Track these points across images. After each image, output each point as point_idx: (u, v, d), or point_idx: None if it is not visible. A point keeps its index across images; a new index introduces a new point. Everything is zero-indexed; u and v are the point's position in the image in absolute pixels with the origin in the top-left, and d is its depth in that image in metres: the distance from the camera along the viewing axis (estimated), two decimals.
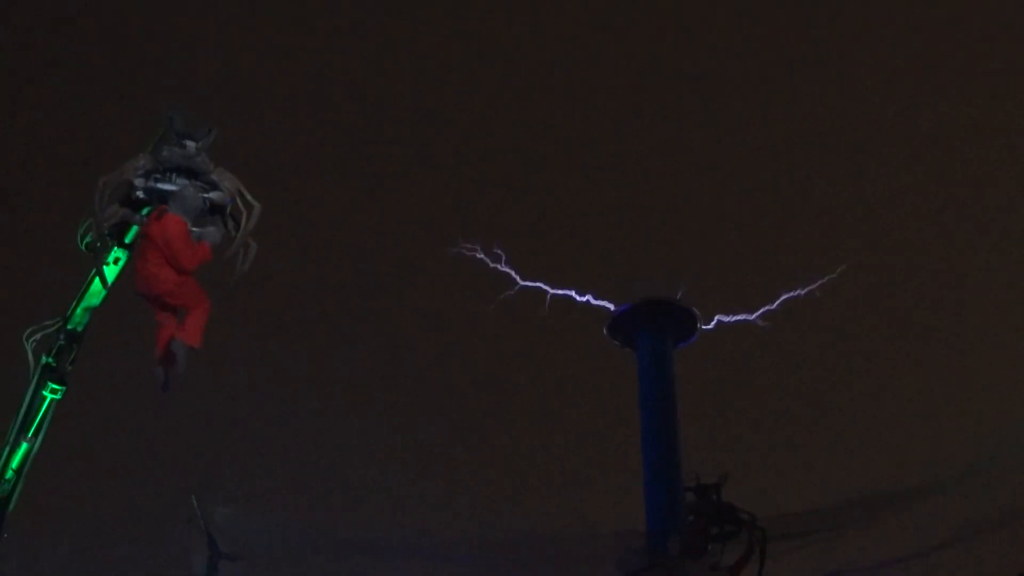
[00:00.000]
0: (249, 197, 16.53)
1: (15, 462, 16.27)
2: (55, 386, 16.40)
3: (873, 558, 28.17)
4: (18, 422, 16.33)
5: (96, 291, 16.62)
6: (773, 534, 28.86)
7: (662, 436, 29.43)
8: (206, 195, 16.45)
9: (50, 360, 16.49)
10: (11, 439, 16.28)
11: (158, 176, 16.45)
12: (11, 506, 16.38)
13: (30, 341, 16.59)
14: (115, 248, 16.58)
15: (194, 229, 16.24)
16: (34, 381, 16.44)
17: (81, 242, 16.41)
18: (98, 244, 16.09)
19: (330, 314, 50.67)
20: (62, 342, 16.52)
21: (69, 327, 16.53)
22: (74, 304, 16.54)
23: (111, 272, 16.51)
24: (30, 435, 16.29)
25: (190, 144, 16.56)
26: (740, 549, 29.09)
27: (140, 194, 16.38)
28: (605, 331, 30.84)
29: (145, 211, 16.31)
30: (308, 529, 27.64)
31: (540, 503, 44.65)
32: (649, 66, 54.57)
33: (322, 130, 54.50)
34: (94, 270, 16.47)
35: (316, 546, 27.46)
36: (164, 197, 16.31)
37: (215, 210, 16.54)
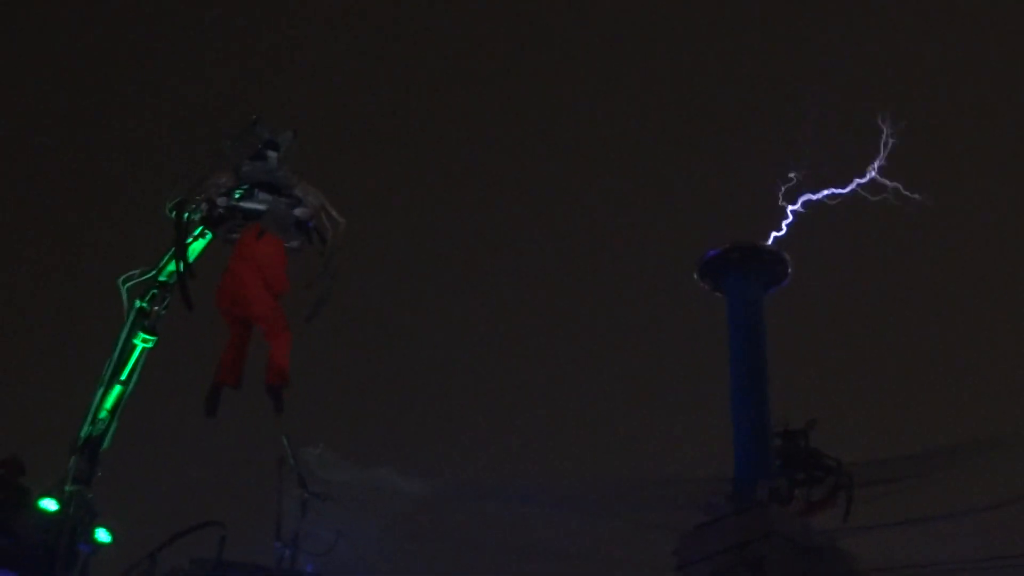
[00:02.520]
0: (335, 213, 16.42)
1: (109, 402, 16.56)
2: (146, 336, 16.62)
3: (964, 505, 27.86)
4: (112, 365, 16.61)
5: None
6: (861, 480, 28.70)
7: (751, 381, 29.29)
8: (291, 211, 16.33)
9: (144, 304, 16.73)
10: (105, 380, 16.57)
11: (240, 193, 16.42)
12: (105, 444, 16.68)
13: (125, 286, 16.83)
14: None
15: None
16: (127, 324, 16.70)
17: (169, 211, 16.54)
18: (183, 271, 16.12)
19: (420, 258, 50.91)
20: (155, 290, 16.75)
21: (161, 278, 16.74)
22: (164, 260, 16.72)
23: (195, 247, 16.63)
24: (123, 378, 16.56)
25: (271, 155, 16.41)
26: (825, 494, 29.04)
27: (221, 211, 16.37)
28: (695, 275, 30.67)
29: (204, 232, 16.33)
30: (400, 472, 27.87)
31: (628, 448, 44.72)
32: None
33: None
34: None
35: (408, 489, 27.70)
36: (248, 215, 16.27)
37: (300, 225, 16.47)
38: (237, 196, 16.38)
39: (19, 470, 17.00)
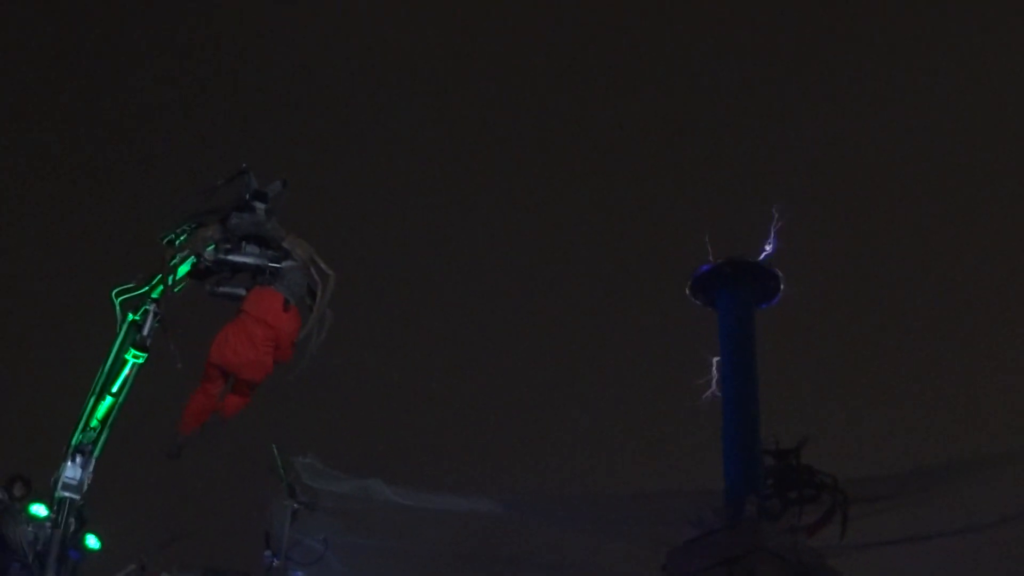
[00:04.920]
0: (324, 266, 16.27)
1: (100, 412, 16.56)
2: (136, 352, 16.56)
3: (959, 524, 27.89)
4: (102, 377, 16.60)
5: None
6: (855, 498, 28.65)
7: (741, 396, 29.33)
8: (278, 265, 16.27)
9: (137, 318, 16.71)
10: (96, 390, 16.58)
11: (228, 247, 16.41)
12: (96, 452, 16.69)
13: (119, 299, 16.79)
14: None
15: None
16: (119, 338, 16.68)
17: (162, 239, 16.58)
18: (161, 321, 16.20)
19: (411, 271, 51.00)
20: (147, 306, 16.72)
21: (154, 296, 16.72)
22: (157, 280, 16.66)
23: (181, 269, 16.65)
24: (114, 390, 16.55)
25: (259, 207, 16.36)
26: (819, 512, 28.94)
27: (209, 265, 16.40)
28: (687, 290, 30.72)
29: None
30: (389, 483, 27.92)
31: (619, 462, 44.75)
32: None
33: None
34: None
35: (396, 501, 27.76)
36: (236, 268, 16.28)
37: (311, 295, 16.47)
38: (226, 249, 16.35)
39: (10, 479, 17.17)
